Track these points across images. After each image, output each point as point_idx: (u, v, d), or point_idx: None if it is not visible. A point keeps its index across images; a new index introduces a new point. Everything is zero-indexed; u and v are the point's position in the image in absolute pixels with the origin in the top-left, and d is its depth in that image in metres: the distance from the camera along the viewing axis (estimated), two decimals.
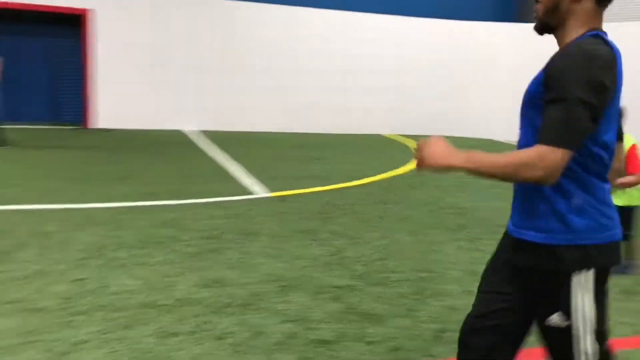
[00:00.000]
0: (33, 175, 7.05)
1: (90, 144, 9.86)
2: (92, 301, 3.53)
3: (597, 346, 1.75)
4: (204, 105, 12.79)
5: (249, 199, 6.41)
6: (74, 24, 11.99)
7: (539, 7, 1.71)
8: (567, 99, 1.53)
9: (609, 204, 1.70)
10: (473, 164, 1.61)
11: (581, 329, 1.72)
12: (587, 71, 1.52)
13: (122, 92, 12.07)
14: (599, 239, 1.66)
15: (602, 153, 1.65)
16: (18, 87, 11.92)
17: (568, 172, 1.63)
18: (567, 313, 1.71)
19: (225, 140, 11.35)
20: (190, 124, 12.69)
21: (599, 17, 1.67)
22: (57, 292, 3.64)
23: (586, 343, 1.73)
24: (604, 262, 1.69)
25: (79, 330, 3.13)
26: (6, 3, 11.04)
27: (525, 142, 1.72)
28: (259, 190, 6.89)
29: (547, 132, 1.55)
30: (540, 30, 1.74)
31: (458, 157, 1.63)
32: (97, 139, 10.52)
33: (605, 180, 1.70)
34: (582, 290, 1.68)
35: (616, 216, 1.73)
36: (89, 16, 11.64)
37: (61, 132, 11.30)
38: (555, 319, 1.74)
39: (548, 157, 1.53)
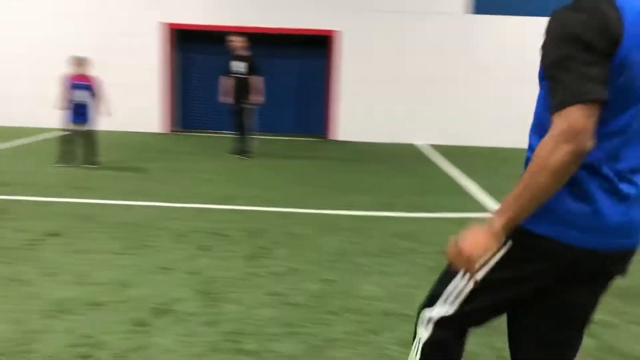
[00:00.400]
0: (284, 182, 7.83)
1: (331, 154, 10.60)
2: (342, 303, 3.77)
3: (444, 316, 1.70)
4: (436, 118, 12.83)
5: (486, 218, 6.23)
6: (323, 45, 13.04)
7: None
8: (551, 58, 1.40)
9: (570, 204, 1.46)
10: (511, 209, 1.45)
11: (451, 286, 1.69)
12: (568, 24, 1.38)
13: (360, 107, 12.75)
14: (541, 230, 1.49)
15: (598, 140, 1.39)
16: (273, 103, 13.38)
17: None
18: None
19: (457, 154, 11.23)
20: (422, 138, 12.85)
21: None
22: (310, 290, 3.97)
23: (440, 302, 1.71)
24: (538, 253, 1.51)
25: (331, 328, 3.37)
26: (267, 28, 12.48)
27: (539, 109, 1.57)
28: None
29: (554, 101, 1.37)
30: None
31: (495, 222, 1.48)
32: (337, 150, 11.26)
33: (595, 174, 1.44)
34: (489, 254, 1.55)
35: (590, 224, 1.45)
36: (336, 37, 12.56)
37: (306, 143, 12.36)
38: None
39: (566, 123, 1.32)
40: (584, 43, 1.34)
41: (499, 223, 1.47)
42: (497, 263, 1.59)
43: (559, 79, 1.37)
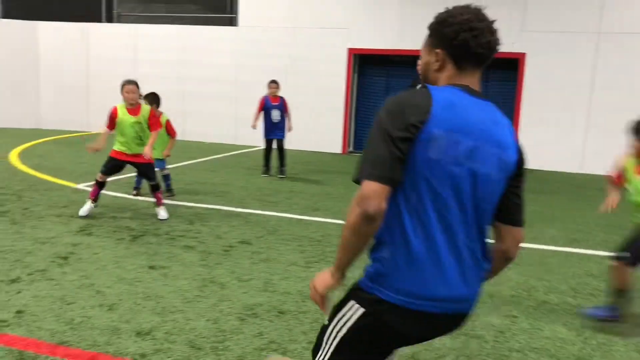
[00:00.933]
0: None
1: None
2: (526, 340, 3.54)
3: None
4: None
5: None
6: (506, 68, 12.55)
7: (420, 78, 1.89)
8: (369, 137, 1.69)
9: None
10: (338, 259, 1.76)
11: (324, 342, 1.86)
12: (386, 111, 1.68)
13: (547, 133, 11.99)
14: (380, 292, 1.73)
15: (410, 193, 1.66)
16: None
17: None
18: (330, 319, 1.85)
19: None
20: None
21: (464, 76, 1.76)
22: (492, 323, 3.79)
23: (324, 355, 1.85)
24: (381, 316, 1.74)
25: None
26: None
27: None
28: None
29: (358, 171, 1.67)
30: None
31: (331, 269, 1.81)
32: None
33: (411, 242, 1.68)
34: (345, 316, 1.79)
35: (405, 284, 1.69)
36: (524, 60, 12.00)
37: None
38: (325, 319, 1.90)
39: (360, 191, 1.63)
40: (388, 131, 1.63)
41: (332, 269, 1.81)
42: (353, 327, 1.78)
43: (365, 154, 1.67)
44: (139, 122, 6.05)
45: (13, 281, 4.15)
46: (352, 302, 1.79)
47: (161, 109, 7.43)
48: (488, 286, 4.46)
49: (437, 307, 1.71)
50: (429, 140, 1.62)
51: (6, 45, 14.88)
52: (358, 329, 1.77)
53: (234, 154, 12.12)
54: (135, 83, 6.08)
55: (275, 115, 9.31)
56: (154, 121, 6.17)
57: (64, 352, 3.12)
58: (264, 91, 9.72)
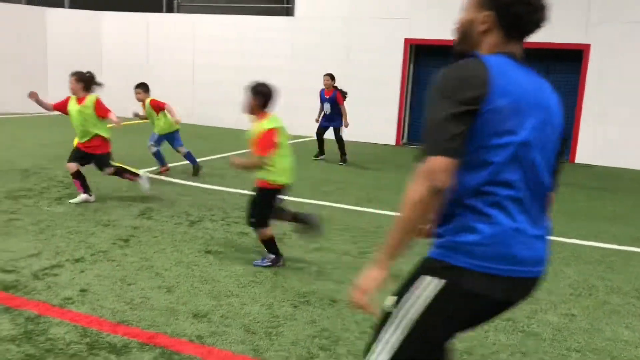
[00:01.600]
0: None
1: (573, 179, 9.72)
2: (585, 341, 3.43)
3: (406, 347, 1.72)
4: None
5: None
6: (572, 60, 12.08)
7: (456, 34, 1.84)
8: (429, 112, 1.66)
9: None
10: (387, 247, 1.68)
11: (396, 322, 1.73)
12: (444, 84, 1.65)
13: (606, 128, 11.50)
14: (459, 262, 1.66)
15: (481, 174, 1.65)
16: None
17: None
18: (397, 302, 1.74)
19: None
20: None
21: (511, 44, 1.75)
22: (549, 321, 3.69)
23: (392, 335, 1.73)
24: (464, 286, 1.66)
25: None
26: None
27: None
28: None
29: (423, 147, 1.63)
30: (458, 56, 1.75)
31: (376, 260, 1.70)
32: (580, 174, 10.30)
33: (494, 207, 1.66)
34: (419, 293, 1.70)
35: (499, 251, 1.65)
36: (589, 52, 11.53)
37: None
38: (388, 300, 1.77)
39: (426, 166, 1.59)
40: (450, 106, 1.60)
41: (379, 261, 1.69)
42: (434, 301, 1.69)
43: (428, 129, 1.64)
44: (82, 111, 6.13)
45: (77, 260, 4.34)
46: (427, 278, 1.70)
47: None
48: (546, 283, 4.36)
49: (518, 272, 1.68)
50: (493, 112, 1.62)
51: (71, 34, 15.46)
52: (438, 305, 1.68)
53: None
54: (75, 74, 6.25)
55: (326, 107, 9.82)
56: (101, 111, 6.26)
57: (124, 331, 3.24)
58: (318, 81, 9.80)
